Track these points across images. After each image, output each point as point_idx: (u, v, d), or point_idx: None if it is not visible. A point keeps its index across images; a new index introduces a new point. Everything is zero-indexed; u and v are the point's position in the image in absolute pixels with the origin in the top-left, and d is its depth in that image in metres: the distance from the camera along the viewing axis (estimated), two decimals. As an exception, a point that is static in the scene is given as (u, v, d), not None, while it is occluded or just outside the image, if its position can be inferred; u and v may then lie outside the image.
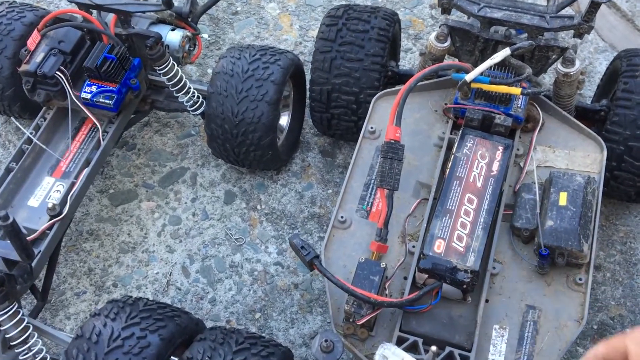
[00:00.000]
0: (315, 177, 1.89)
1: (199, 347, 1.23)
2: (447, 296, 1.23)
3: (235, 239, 1.78)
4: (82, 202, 1.83)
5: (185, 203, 1.86)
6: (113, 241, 1.79)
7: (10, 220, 1.21)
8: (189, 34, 1.81)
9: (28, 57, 1.60)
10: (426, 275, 1.22)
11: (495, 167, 1.32)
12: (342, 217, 1.35)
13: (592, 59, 2.09)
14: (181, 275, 1.73)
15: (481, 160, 1.33)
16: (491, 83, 1.34)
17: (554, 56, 1.47)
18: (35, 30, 1.64)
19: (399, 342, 1.17)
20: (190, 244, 1.78)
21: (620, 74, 1.57)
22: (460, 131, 1.39)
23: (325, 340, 0.96)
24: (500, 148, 1.35)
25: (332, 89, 1.67)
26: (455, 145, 1.36)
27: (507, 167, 1.34)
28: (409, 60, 2.13)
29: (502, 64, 1.41)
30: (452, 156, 1.34)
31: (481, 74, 1.33)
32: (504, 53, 1.32)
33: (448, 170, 1.33)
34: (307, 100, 1.86)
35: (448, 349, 1.16)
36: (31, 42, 1.63)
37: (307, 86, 1.83)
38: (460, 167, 1.32)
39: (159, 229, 1.81)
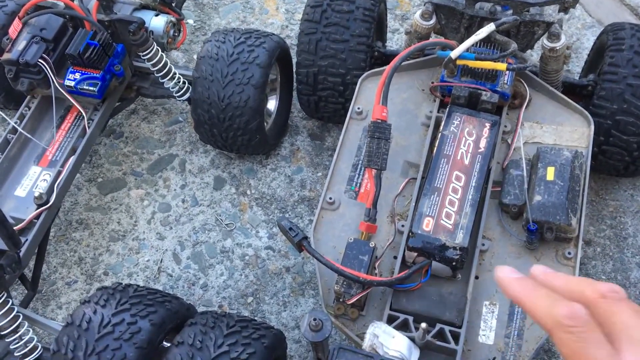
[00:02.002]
0: (305, 161, 1.89)
1: (190, 331, 1.23)
2: (437, 274, 1.23)
3: (226, 225, 1.78)
4: (70, 191, 1.82)
5: (175, 190, 1.85)
6: (103, 230, 1.78)
7: (-5, 209, 1.20)
8: (173, 19, 1.79)
9: (10, 46, 1.59)
10: (415, 254, 1.22)
11: (483, 144, 1.32)
12: (330, 198, 1.34)
13: (579, 35, 2.09)
14: (172, 262, 1.72)
15: (468, 137, 1.33)
16: (477, 59, 1.33)
17: (539, 31, 1.46)
18: (17, 18, 1.62)
19: (390, 321, 1.17)
20: (181, 231, 1.77)
21: (606, 48, 1.56)
22: (447, 109, 1.38)
23: (314, 319, 0.96)
24: (487, 125, 1.34)
25: (319, 71, 1.66)
26: (442, 123, 1.36)
27: (495, 144, 1.34)
28: (396, 41, 2.11)
29: (487, 41, 1.40)
30: (439, 134, 1.34)
31: (466, 50, 1.33)
32: (488, 29, 1.31)
33: (435, 148, 1.32)
34: (295, 84, 1.85)
35: (438, 325, 1.16)
36: (13, 31, 1.61)
37: (294, 69, 1.81)
38: (447, 145, 1.32)
39: (148, 217, 1.80)
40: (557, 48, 1.45)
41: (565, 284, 0.47)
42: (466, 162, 1.29)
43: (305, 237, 1.20)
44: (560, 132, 1.40)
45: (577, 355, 0.42)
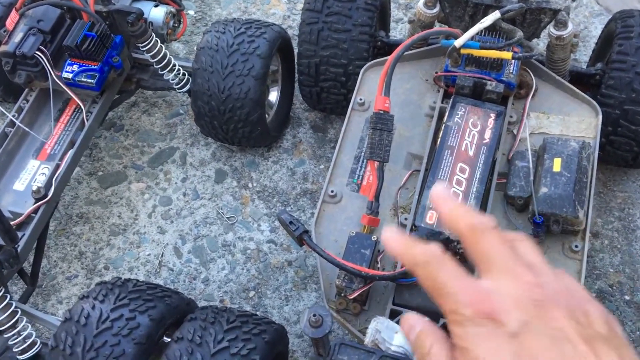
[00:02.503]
0: (307, 153, 1.86)
1: (190, 326, 1.21)
2: (441, 268, 1.20)
3: (227, 218, 1.76)
4: (70, 185, 1.81)
5: (176, 183, 1.83)
6: (103, 224, 1.76)
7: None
8: (173, 10, 1.76)
9: (7, 38, 1.56)
10: (419, 247, 1.19)
11: (488, 135, 1.29)
12: (332, 191, 1.32)
13: (587, 23, 2.05)
14: (173, 256, 1.71)
15: (473, 128, 1.30)
16: (481, 48, 1.30)
17: (546, 19, 1.43)
18: (14, 9, 1.60)
19: (392, 316, 1.15)
20: (182, 224, 1.75)
21: (615, 36, 1.53)
22: (451, 99, 1.35)
23: (314, 315, 0.94)
24: (493, 115, 1.31)
25: (320, 61, 1.63)
26: (446, 114, 1.33)
27: (500, 135, 1.31)
28: (399, 30, 2.08)
29: (492, 29, 1.37)
30: (443, 125, 1.31)
31: (471, 39, 1.30)
32: (493, 16, 1.28)
33: (439, 139, 1.29)
34: (296, 75, 1.82)
35: (442, 320, 1.14)
36: (9, 23, 1.59)
37: (296, 60, 1.79)
38: (451, 136, 1.29)
39: (149, 210, 1.78)
40: (564, 36, 1.41)
41: (448, 215, 0.51)
42: (471, 153, 1.26)
43: (306, 231, 1.17)
44: (567, 122, 1.37)
45: (433, 285, 0.47)
